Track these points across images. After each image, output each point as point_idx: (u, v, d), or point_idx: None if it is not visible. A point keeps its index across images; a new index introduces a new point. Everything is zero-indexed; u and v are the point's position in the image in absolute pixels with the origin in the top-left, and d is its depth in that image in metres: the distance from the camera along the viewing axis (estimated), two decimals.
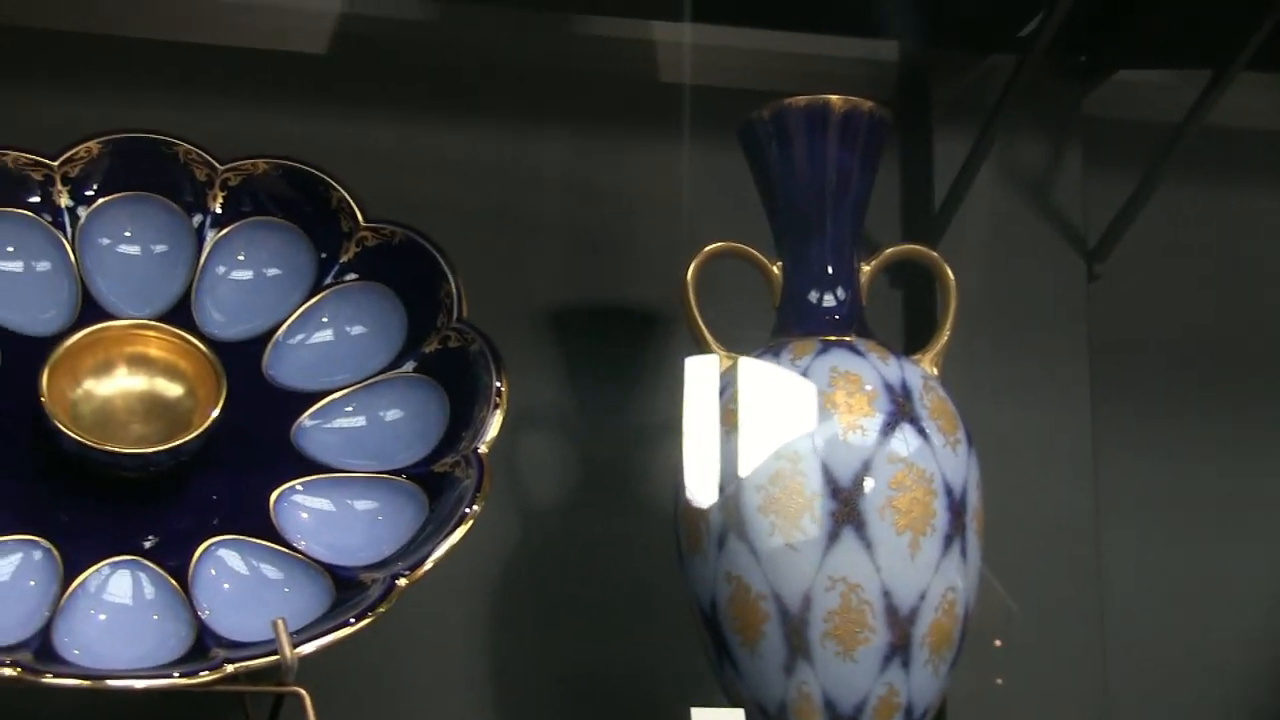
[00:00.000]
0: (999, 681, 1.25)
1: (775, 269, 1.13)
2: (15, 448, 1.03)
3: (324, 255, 1.12)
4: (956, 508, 1.06)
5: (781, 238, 1.13)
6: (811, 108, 1.11)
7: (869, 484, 1.04)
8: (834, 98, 1.11)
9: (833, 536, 1.03)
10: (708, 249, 1.13)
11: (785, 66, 1.35)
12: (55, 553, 1.00)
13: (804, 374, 1.07)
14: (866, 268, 1.13)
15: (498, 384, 1.06)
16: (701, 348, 1.12)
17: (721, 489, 1.07)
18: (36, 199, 1.09)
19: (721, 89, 1.32)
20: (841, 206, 1.12)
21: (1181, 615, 1.34)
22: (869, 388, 1.06)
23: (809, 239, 1.12)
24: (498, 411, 1.05)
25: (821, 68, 1.35)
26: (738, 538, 1.05)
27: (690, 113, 1.31)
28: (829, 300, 1.12)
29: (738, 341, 1.13)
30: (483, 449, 1.04)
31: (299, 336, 1.11)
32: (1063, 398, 1.31)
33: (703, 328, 1.12)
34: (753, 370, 1.09)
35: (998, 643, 1.24)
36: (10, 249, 1.09)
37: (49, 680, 0.92)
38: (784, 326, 1.12)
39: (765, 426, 1.07)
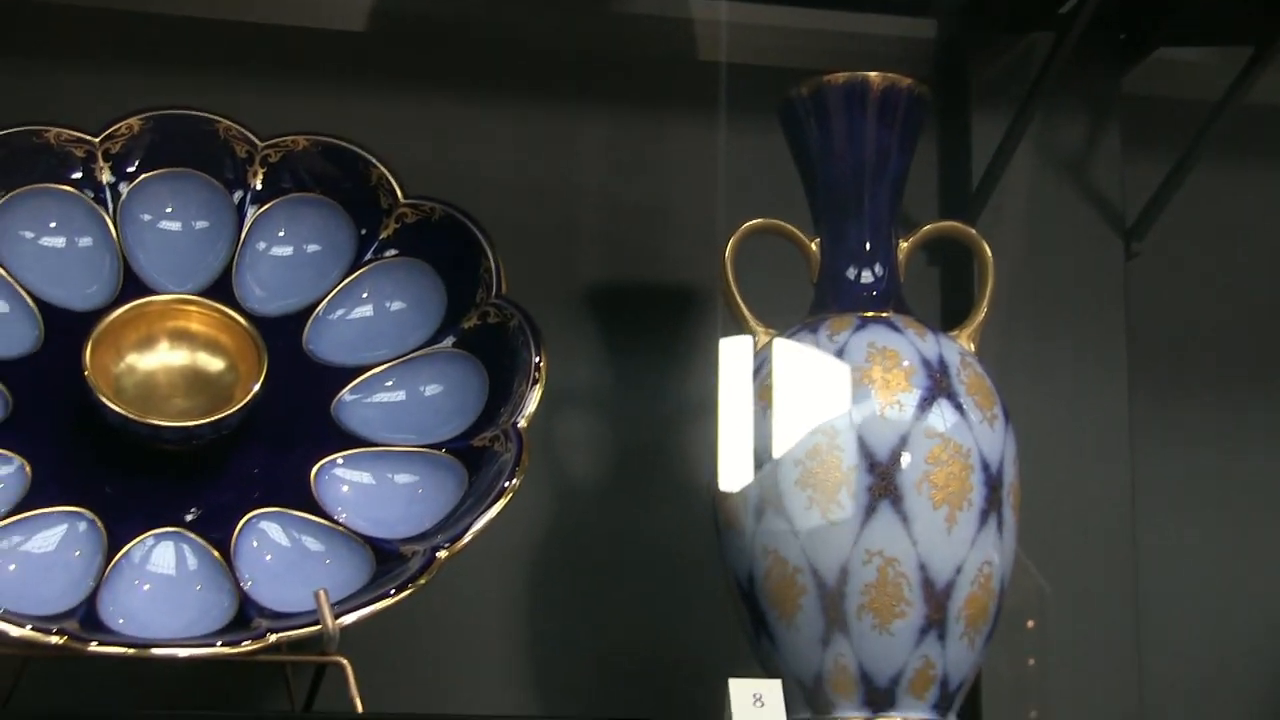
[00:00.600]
0: (1030, 662, 1.25)
1: (813, 246, 1.13)
2: (59, 422, 1.04)
3: (364, 231, 1.13)
4: (993, 483, 1.06)
5: (820, 215, 1.13)
6: (850, 85, 1.11)
7: (906, 459, 1.04)
8: (873, 75, 1.11)
9: (869, 510, 1.04)
10: (746, 225, 1.13)
11: (822, 45, 1.35)
12: (99, 524, 1.01)
13: (841, 350, 1.08)
14: (904, 245, 1.13)
15: (537, 359, 1.06)
16: (739, 324, 1.13)
17: (758, 464, 1.07)
18: (78, 175, 1.10)
19: (759, 67, 1.32)
20: (880, 183, 1.12)
21: (1216, 596, 1.34)
22: (906, 363, 1.07)
23: (847, 216, 1.12)
24: (537, 386, 1.05)
25: (859, 46, 1.35)
26: (775, 512, 1.05)
27: (728, 91, 1.31)
28: (867, 277, 1.12)
29: (772, 319, 1.13)
30: (522, 423, 1.04)
31: (339, 312, 1.12)
32: (1099, 376, 1.30)
33: (741, 304, 1.12)
34: (790, 346, 1.10)
35: (1030, 624, 1.24)
36: (53, 225, 1.10)
37: (94, 649, 0.93)
38: (822, 303, 1.12)
39: (802, 402, 1.07)
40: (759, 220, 1.14)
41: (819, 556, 1.04)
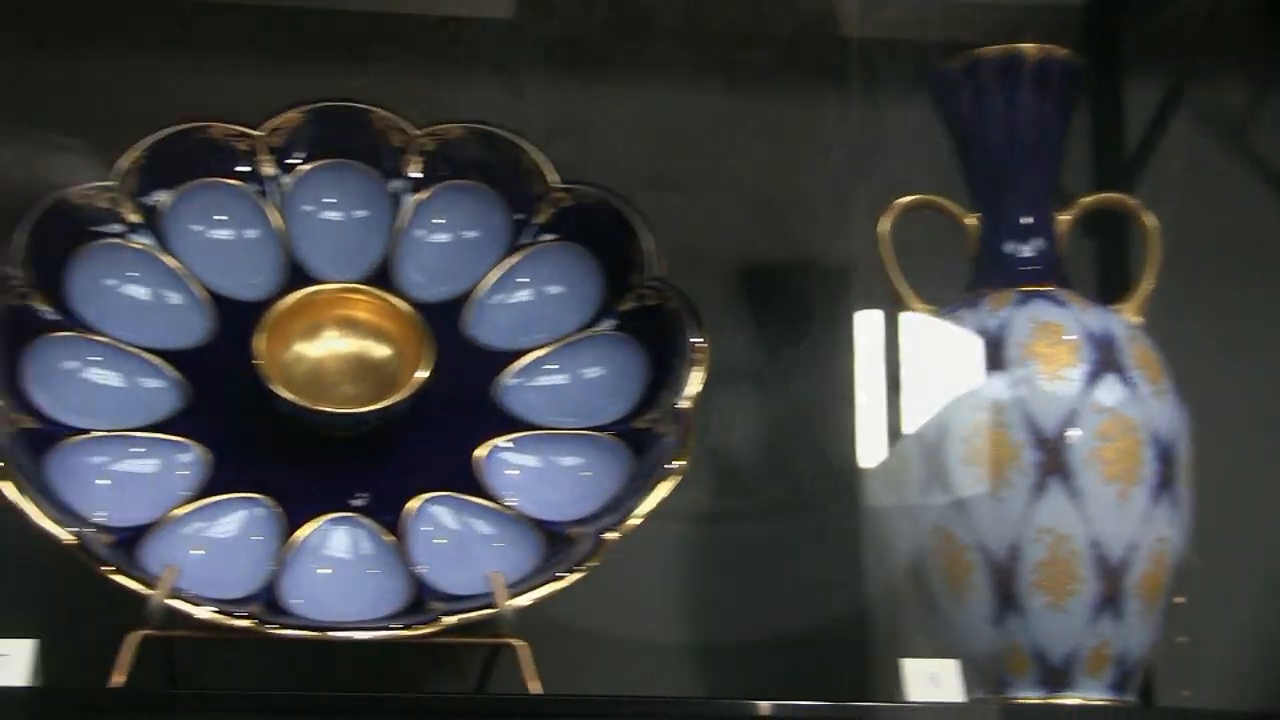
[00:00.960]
0: (1181, 639, 1.24)
1: (970, 221, 1.13)
2: (233, 410, 1.07)
3: (519, 216, 1.14)
4: (1166, 458, 1.05)
5: (976, 189, 1.12)
6: (1005, 58, 1.10)
7: (1075, 434, 1.03)
8: (1028, 46, 1.10)
9: (1039, 487, 1.03)
10: (901, 201, 1.13)
11: (960, 16, 1.33)
12: (275, 510, 1.03)
13: (1003, 325, 1.07)
14: (1063, 217, 1.12)
15: (696, 340, 1.07)
16: (898, 300, 1.12)
17: (922, 442, 1.07)
18: (243, 168, 1.12)
19: (897, 40, 1.31)
20: (1037, 156, 1.11)
21: None
22: (1071, 337, 1.06)
23: (1004, 190, 1.11)
24: (697, 367, 1.06)
25: (1001, 15, 1.33)
26: (942, 490, 1.05)
27: (870, 66, 1.30)
28: (1026, 251, 1.11)
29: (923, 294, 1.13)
30: (684, 404, 1.05)
31: (498, 297, 1.13)
32: (1270, 345, 1.28)
33: (900, 280, 1.12)
34: (950, 322, 1.09)
35: (1178, 599, 1.23)
36: (220, 218, 1.12)
37: (276, 631, 0.95)
38: (980, 278, 1.11)
39: (964, 378, 1.07)
40: (915, 196, 1.13)
41: (988, 534, 1.03)
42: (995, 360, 1.06)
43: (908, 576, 1.08)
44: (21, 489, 0.97)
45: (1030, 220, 1.11)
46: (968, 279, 1.12)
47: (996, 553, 1.03)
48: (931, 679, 0.93)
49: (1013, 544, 1.03)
